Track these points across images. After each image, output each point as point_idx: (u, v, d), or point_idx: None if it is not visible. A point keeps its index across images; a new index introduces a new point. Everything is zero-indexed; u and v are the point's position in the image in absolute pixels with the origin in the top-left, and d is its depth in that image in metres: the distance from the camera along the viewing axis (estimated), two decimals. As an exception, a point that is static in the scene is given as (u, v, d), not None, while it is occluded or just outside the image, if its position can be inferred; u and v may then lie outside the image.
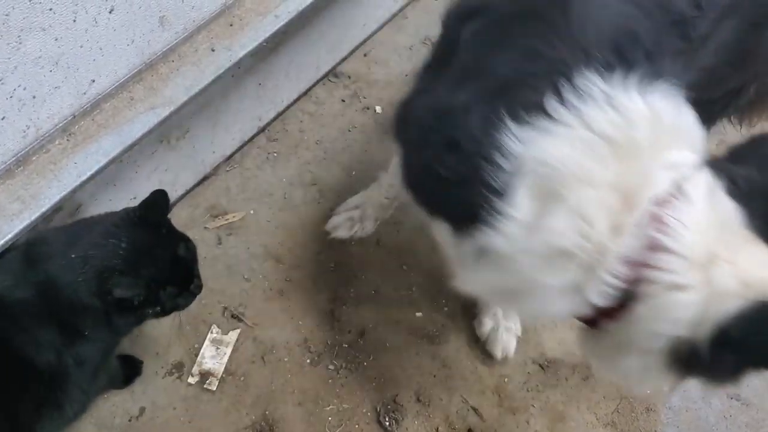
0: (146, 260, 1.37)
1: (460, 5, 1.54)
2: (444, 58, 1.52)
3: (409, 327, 2.08)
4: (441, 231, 1.54)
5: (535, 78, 1.29)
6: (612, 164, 1.21)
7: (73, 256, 1.32)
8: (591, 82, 1.25)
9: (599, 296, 1.23)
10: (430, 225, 1.60)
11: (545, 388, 2.01)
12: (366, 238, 2.20)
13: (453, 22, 1.53)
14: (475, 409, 1.97)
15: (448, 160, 1.33)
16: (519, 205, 1.23)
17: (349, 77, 2.60)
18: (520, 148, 1.23)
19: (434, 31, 2.79)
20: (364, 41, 2.70)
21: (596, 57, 1.28)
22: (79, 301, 1.32)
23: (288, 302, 2.05)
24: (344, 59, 2.62)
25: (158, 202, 1.43)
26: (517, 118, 1.25)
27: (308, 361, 1.97)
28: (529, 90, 1.29)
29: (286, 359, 1.96)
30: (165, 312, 1.46)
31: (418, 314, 2.10)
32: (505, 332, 2.01)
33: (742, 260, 1.15)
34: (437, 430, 1.92)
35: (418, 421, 1.92)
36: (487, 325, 2.02)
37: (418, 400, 1.96)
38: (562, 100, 1.25)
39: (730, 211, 1.20)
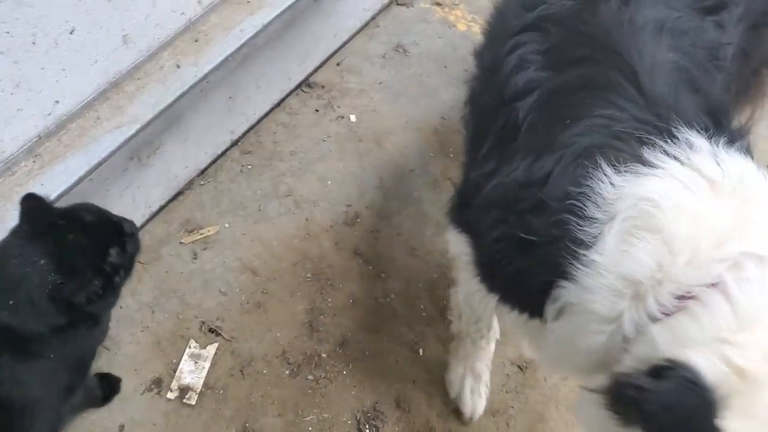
0: (71, 255, 1.36)
1: (507, 86, 1.51)
2: (497, 139, 1.52)
3: (388, 335, 2.09)
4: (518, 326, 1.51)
5: (621, 140, 1.30)
6: (716, 205, 1.20)
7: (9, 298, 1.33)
8: (696, 139, 1.26)
9: (633, 324, 1.19)
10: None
11: (524, 389, 2.02)
12: (343, 247, 2.22)
13: (504, 104, 1.51)
14: (455, 413, 1.97)
15: (533, 223, 1.32)
16: (606, 250, 1.20)
17: (323, 87, 2.62)
18: (618, 191, 1.22)
19: (406, 38, 2.84)
20: (336, 51, 2.72)
21: (695, 119, 1.31)
22: (35, 329, 1.32)
23: (265, 314, 2.06)
24: (316, 69, 2.64)
25: (32, 208, 1.40)
26: (613, 167, 1.25)
27: (287, 372, 1.97)
28: (619, 149, 1.29)
29: (264, 371, 1.96)
30: (129, 269, 1.47)
31: (397, 322, 2.11)
32: (472, 394, 1.97)
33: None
34: (418, 435, 1.93)
35: (398, 428, 1.93)
36: (455, 385, 1.99)
37: (399, 406, 1.96)
38: (661, 149, 1.25)
39: None
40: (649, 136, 1.27)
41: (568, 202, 1.26)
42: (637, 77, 1.37)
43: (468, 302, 1.80)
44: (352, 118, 2.55)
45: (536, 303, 1.35)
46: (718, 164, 1.23)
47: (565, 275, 1.25)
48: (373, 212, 2.31)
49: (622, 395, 1.07)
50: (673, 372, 1.04)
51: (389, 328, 2.10)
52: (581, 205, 1.24)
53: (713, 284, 1.13)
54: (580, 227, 1.23)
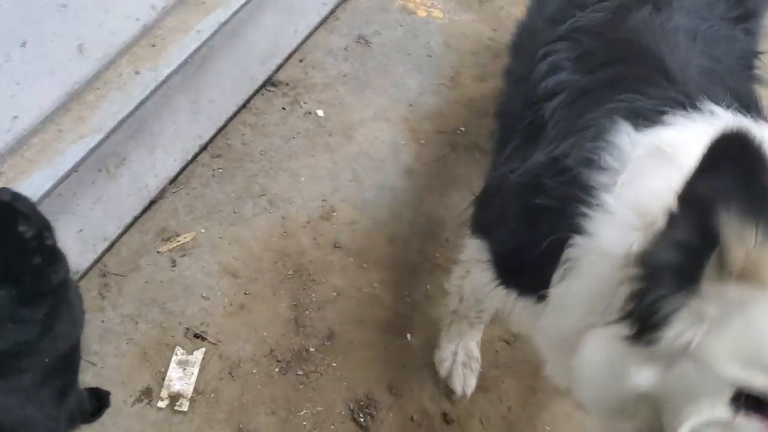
0: None
1: (536, 90, 1.52)
2: (524, 139, 1.51)
3: (374, 323, 2.08)
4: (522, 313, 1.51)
5: (644, 112, 1.29)
6: None
7: None
8: (720, 110, 1.25)
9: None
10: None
11: (513, 363, 2.03)
12: (322, 241, 2.21)
13: (531, 105, 1.52)
14: (447, 394, 1.98)
15: (548, 185, 1.30)
16: (620, 191, 1.17)
17: (287, 84, 2.61)
18: (635, 141, 1.21)
19: (367, 29, 2.84)
20: (298, 47, 2.71)
21: (722, 100, 1.29)
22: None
23: (250, 315, 2.05)
24: (279, 67, 2.63)
25: None
26: (633, 125, 1.24)
27: (277, 370, 1.96)
28: (641, 115, 1.28)
29: (254, 371, 1.95)
30: (47, 226, 1.36)
31: (383, 311, 2.11)
32: (463, 368, 1.97)
33: None
34: (412, 419, 1.93)
35: (392, 413, 1.93)
36: (446, 361, 1.99)
37: (391, 392, 1.96)
38: (685, 115, 1.24)
39: None
40: (672, 109, 1.26)
41: (585, 156, 1.25)
42: (667, 70, 1.36)
43: (475, 294, 1.79)
44: (320, 113, 2.54)
45: (546, 276, 1.30)
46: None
47: (577, 229, 1.21)
48: (348, 204, 2.31)
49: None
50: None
51: (375, 317, 2.10)
52: (596, 158, 1.23)
53: None
54: (595, 177, 1.21)
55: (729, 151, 0.90)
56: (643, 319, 1.01)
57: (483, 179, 1.79)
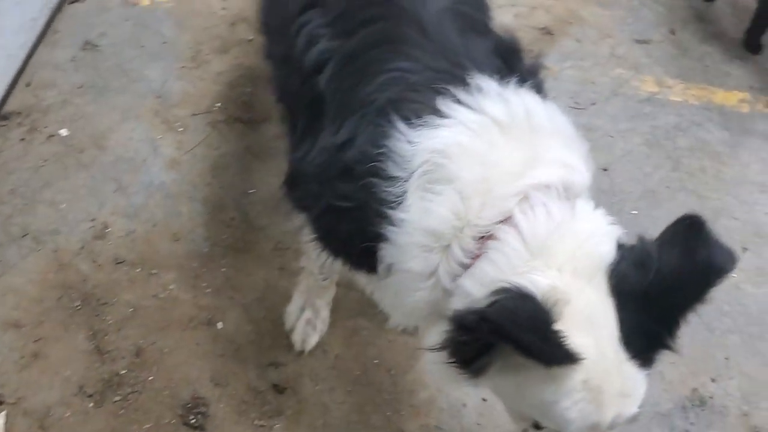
0: None
1: (303, 65, 1.50)
2: (311, 117, 1.49)
3: (180, 324, 2.04)
4: (362, 279, 1.55)
5: (417, 91, 1.31)
6: (505, 145, 1.25)
7: None
8: (486, 82, 1.29)
9: (448, 275, 1.24)
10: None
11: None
12: (102, 262, 2.11)
13: (304, 82, 1.50)
14: (273, 364, 1.98)
15: (344, 189, 1.32)
16: (410, 207, 1.23)
17: (20, 113, 2.43)
18: (413, 147, 1.24)
19: (91, 33, 2.68)
20: (20, 71, 2.52)
21: (485, 63, 1.34)
22: None
23: (46, 360, 1.93)
24: (6, 98, 2.44)
25: None
26: (408, 123, 1.26)
27: (91, 405, 1.88)
28: (415, 101, 1.30)
29: (67, 414, 1.85)
30: None
31: (185, 308, 2.07)
32: (306, 325, 2.00)
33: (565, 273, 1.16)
34: (244, 401, 1.92)
35: (223, 403, 1.91)
36: (292, 315, 2.01)
37: (216, 384, 1.94)
38: (455, 98, 1.27)
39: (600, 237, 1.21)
40: (443, 85, 1.30)
41: (370, 164, 1.28)
42: (424, 28, 1.40)
43: (316, 263, 1.81)
44: (63, 132, 2.39)
45: (370, 263, 1.38)
46: (506, 105, 1.28)
47: (380, 238, 1.29)
48: (119, 216, 2.21)
49: (463, 323, 1.10)
50: (505, 291, 1.10)
51: (179, 318, 2.05)
52: (383, 166, 1.27)
53: (505, 220, 1.20)
54: (384, 188, 1.26)
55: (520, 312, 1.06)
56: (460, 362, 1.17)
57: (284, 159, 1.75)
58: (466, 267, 1.23)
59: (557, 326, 1.07)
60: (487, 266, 1.20)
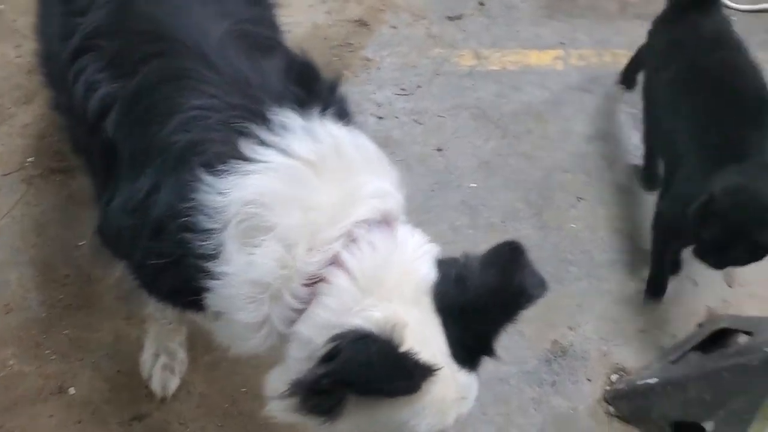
0: None
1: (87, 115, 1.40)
2: (106, 165, 1.41)
3: (29, 399, 1.90)
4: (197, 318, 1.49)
5: (218, 131, 1.25)
6: (321, 186, 1.22)
7: None
8: (287, 117, 1.25)
9: (282, 322, 1.22)
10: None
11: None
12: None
13: (92, 131, 1.41)
14: (136, 418, 1.89)
15: (157, 247, 1.26)
16: (231, 259, 1.19)
17: None
18: (224, 198, 1.20)
19: None
20: None
21: (283, 93, 1.29)
22: None
23: None
24: None
25: None
26: (212, 171, 1.21)
27: None
28: (217, 142, 1.24)
29: None
30: None
31: (30, 380, 1.93)
32: (163, 370, 1.91)
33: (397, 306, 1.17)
34: (110, 464, 1.82)
35: (88, 474, 1.81)
36: (147, 363, 1.92)
37: (79, 455, 1.83)
38: (259, 140, 1.23)
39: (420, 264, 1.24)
40: (244, 123, 1.25)
41: (181, 220, 1.23)
42: (208, 59, 1.33)
43: (156, 307, 1.74)
44: None
45: (199, 307, 1.33)
46: (314, 142, 1.25)
47: (204, 289, 1.25)
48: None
49: (312, 387, 1.11)
50: (342, 337, 1.10)
51: (25, 392, 1.91)
52: (194, 220, 1.21)
53: (333, 262, 1.20)
54: (201, 242, 1.21)
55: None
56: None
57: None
58: (300, 312, 1.22)
59: (404, 348, 1.10)
60: (320, 311, 1.20)
